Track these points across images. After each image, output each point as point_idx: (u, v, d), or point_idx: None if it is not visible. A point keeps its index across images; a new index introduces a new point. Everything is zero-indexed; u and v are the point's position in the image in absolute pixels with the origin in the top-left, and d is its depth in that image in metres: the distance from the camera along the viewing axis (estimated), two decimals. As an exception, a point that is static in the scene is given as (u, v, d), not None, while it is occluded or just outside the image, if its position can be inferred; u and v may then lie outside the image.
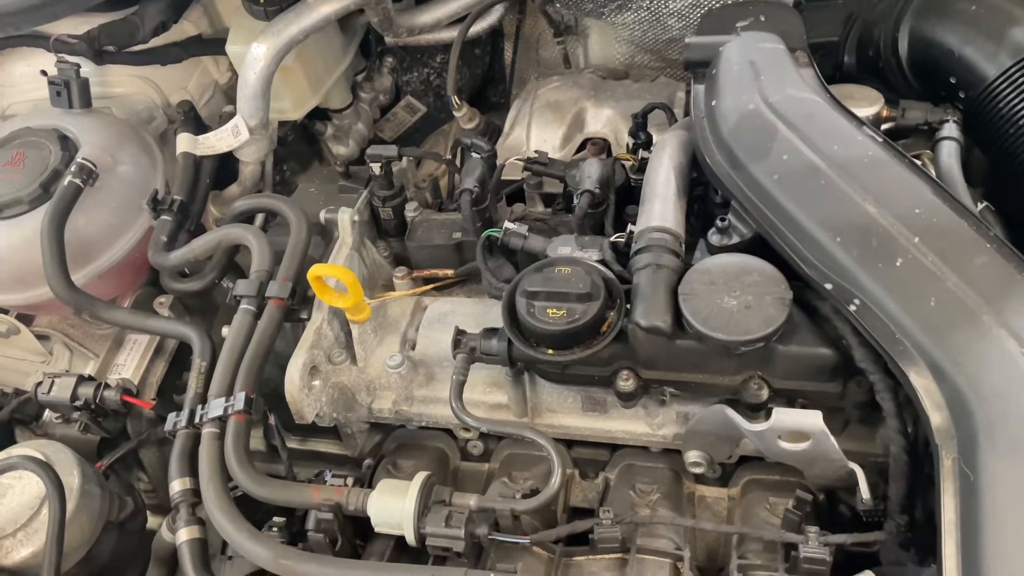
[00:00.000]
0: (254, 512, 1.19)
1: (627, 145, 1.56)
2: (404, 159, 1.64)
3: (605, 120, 1.70)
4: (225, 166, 1.74)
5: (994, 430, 0.96)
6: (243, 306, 1.32)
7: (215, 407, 1.20)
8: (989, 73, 1.28)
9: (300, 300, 1.36)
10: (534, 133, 1.71)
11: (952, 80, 1.34)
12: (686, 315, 1.12)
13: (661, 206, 1.25)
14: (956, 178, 1.22)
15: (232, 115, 1.63)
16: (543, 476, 1.36)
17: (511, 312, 1.19)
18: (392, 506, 1.11)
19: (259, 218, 1.58)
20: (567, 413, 1.34)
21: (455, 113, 1.78)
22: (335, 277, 1.25)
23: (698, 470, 1.26)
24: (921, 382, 1.02)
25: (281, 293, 1.31)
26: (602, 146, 1.67)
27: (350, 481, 1.22)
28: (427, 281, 1.50)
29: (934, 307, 1.04)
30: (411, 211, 1.51)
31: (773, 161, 1.19)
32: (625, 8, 1.89)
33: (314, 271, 1.24)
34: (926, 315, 1.04)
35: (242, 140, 1.58)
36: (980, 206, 1.29)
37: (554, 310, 1.16)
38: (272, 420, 1.41)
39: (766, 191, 1.17)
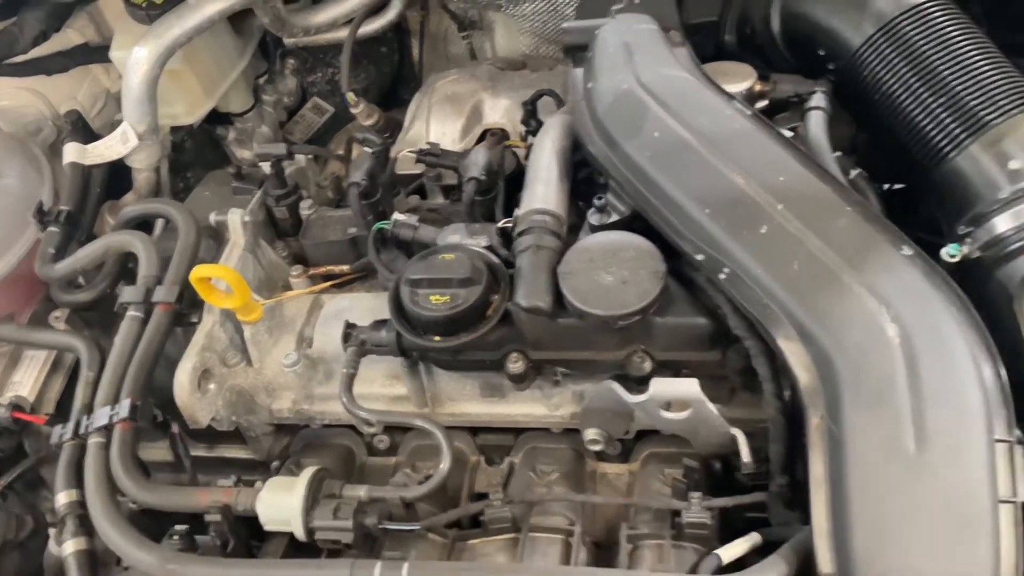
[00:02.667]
0: (165, 525, 1.18)
1: (520, 134, 1.58)
2: (303, 159, 1.64)
3: (503, 110, 1.71)
4: (124, 176, 1.72)
5: (857, 386, 0.99)
6: (130, 313, 1.30)
7: (100, 416, 1.18)
8: (854, 42, 1.32)
9: (190, 304, 1.34)
10: (433, 127, 1.71)
11: (821, 52, 1.38)
12: (565, 293, 1.14)
13: (543, 189, 1.27)
14: (822, 146, 1.25)
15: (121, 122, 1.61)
16: (453, 463, 1.36)
17: (397, 302, 1.20)
18: (280, 503, 1.11)
19: (159, 225, 1.56)
20: (466, 400, 1.34)
21: (352, 110, 1.78)
22: (219, 277, 1.24)
23: (597, 447, 1.27)
24: (789, 344, 1.05)
25: (168, 297, 1.29)
26: (500, 136, 1.68)
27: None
28: (325, 279, 1.49)
29: (798, 271, 1.07)
30: (306, 209, 1.51)
31: (645, 138, 1.21)
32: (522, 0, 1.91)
33: (196, 272, 1.23)
34: (790, 279, 1.06)
35: (131, 147, 1.55)
36: (853, 173, 1.32)
37: (437, 296, 1.16)
38: (175, 429, 1.39)
39: (639, 168, 1.19)
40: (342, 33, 1.91)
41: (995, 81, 1.19)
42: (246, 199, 1.50)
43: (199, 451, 1.52)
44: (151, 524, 1.18)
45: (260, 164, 1.44)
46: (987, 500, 0.91)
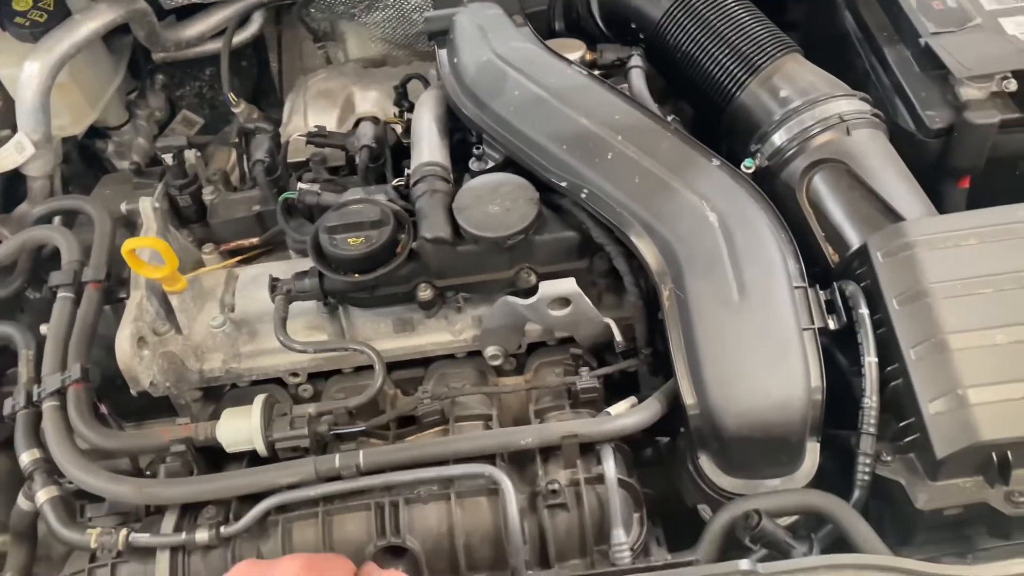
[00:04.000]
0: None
1: (394, 114, 1.81)
2: (192, 155, 1.79)
3: (373, 100, 1.93)
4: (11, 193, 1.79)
5: (692, 261, 1.30)
6: (61, 295, 1.41)
7: (52, 382, 1.29)
8: (656, 15, 1.67)
9: (117, 282, 1.47)
10: (311, 118, 1.90)
11: (633, 26, 1.73)
12: (462, 224, 1.38)
13: (428, 146, 1.51)
14: (643, 92, 1.59)
15: (8, 138, 1.69)
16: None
17: (317, 248, 1.39)
18: (239, 426, 1.27)
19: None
20: (381, 338, 1.55)
21: (234, 110, 1.95)
22: (148, 248, 1.38)
23: (496, 362, 1.52)
24: (639, 240, 1.35)
25: (97, 275, 1.42)
26: (373, 123, 1.90)
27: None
28: (234, 253, 1.65)
29: (639, 183, 1.38)
30: (209, 195, 1.66)
31: (507, 97, 1.49)
32: (373, 8, 2.16)
33: (128, 245, 1.37)
34: (634, 190, 1.37)
35: (27, 155, 1.64)
36: (669, 119, 1.67)
37: (354, 239, 1.37)
38: (103, 409, 1.50)
39: (506, 121, 1.47)
40: (209, 46, 2.08)
41: (763, 33, 1.57)
42: (148, 191, 1.63)
43: (129, 429, 1.62)
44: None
45: (162, 156, 1.59)
46: (794, 329, 1.24)
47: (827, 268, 1.40)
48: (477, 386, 1.52)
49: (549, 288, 1.38)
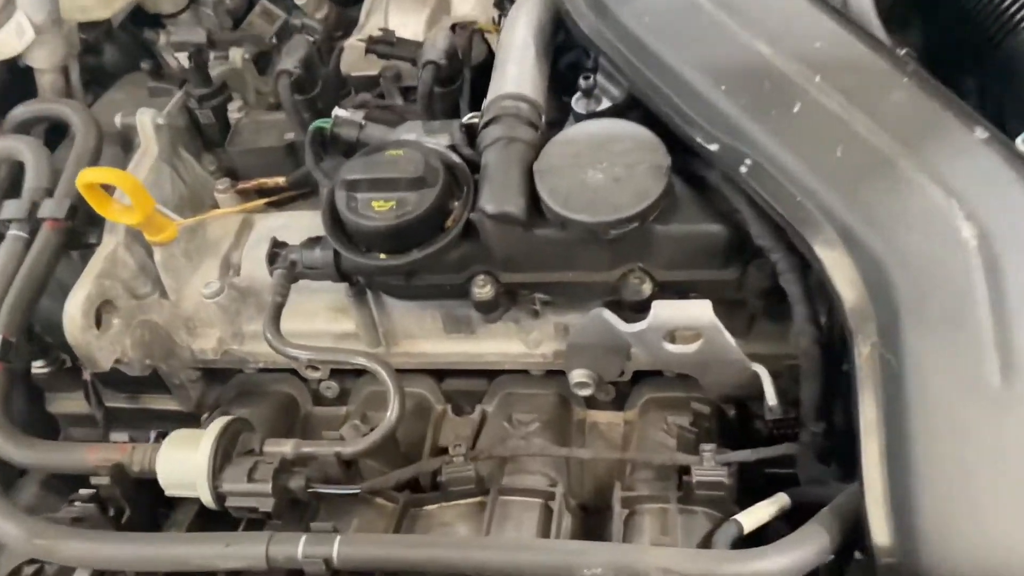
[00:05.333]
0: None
1: (493, 19, 1.32)
2: (238, 58, 1.38)
3: (474, 1, 1.44)
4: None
5: (921, 304, 0.77)
6: (11, 232, 1.06)
7: (-36, 357, 0.95)
8: None
9: (87, 222, 1.10)
10: (393, 18, 1.44)
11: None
12: (543, 196, 0.89)
13: (516, 70, 1.02)
14: (866, 8, 1.00)
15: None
16: (413, 413, 1.14)
17: (332, 210, 0.95)
18: (183, 461, 0.88)
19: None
20: (428, 338, 1.11)
21: (296, 1, 1.51)
22: (110, 182, 0.99)
23: (585, 392, 1.04)
24: (829, 253, 0.81)
25: (57, 212, 1.05)
26: (452, 31, 1.41)
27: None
28: (259, 194, 1.25)
29: (841, 158, 0.83)
30: (235, 111, 1.25)
31: (643, 1, 0.95)
32: None
33: (84, 176, 0.98)
34: (832, 169, 0.83)
35: (27, 41, 1.29)
36: (900, 52, 1.07)
37: (381, 202, 0.92)
38: (86, 375, 1.16)
39: (636, 38, 0.94)
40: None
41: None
42: (165, 102, 1.25)
43: (118, 402, 1.29)
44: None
45: (176, 56, 1.18)
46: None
47: None
48: (550, 427, 1.06)
49: (669, 312, 0.87)
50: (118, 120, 1.19)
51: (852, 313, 0.80)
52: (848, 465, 0.91)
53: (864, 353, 0.78)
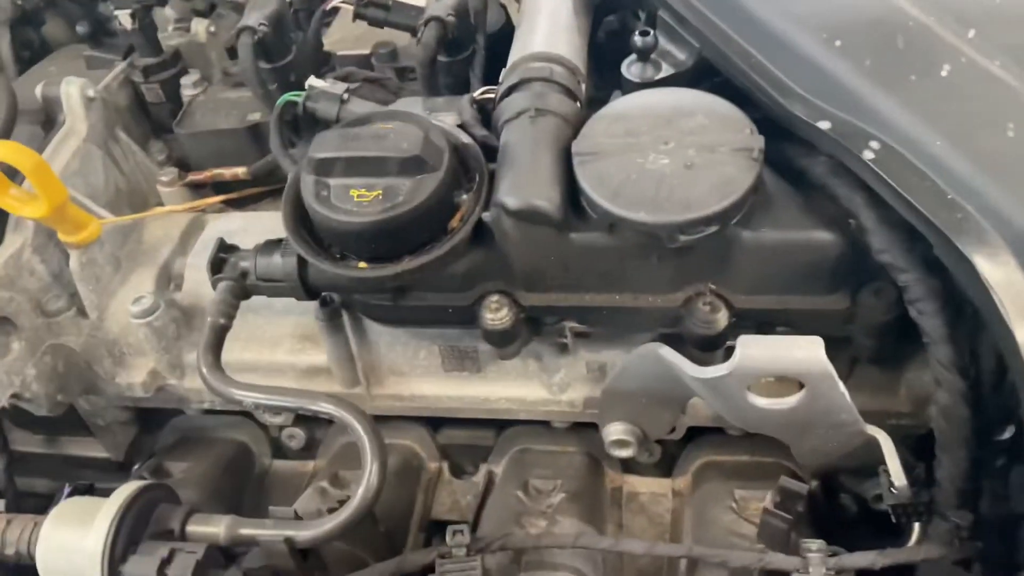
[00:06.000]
0: None
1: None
2: (201, 28, 1.14)
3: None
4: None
5: None
6: None
7: None
8: None
9: (-12, 215, 0.85)
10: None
11: None
12: (585, 186, 0.65)
13: (548, 25, 0.78)
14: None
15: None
16: (400, 473, 0.89)
17: (296, 202, 0.70)
18: (71, 545, 0.62)
19: None
20: (421, 376, 0.86)
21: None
22: (5, 159, 0.74)
23: (624, 452, 0.79)
24: (997, 272, 0.57)
25: (-58, 202, 0.80)
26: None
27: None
28: (216, 189, 1.00)
29: (1014, 139, 0.59)
30: (189, 87, 1.01)
31: (722, -66, 0.72)
32: None
33: (-31, 153, 0.73)
34: (1000, 154, 0.59)
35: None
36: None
37: (362, 191, 0.67)
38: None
39: (712, -17, 0.70)
40: None
41: None
42: (105, 74, 1.01)
43: (32, 445, 1.04)
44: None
45: (116, 15, 0.94)
46: None
47: None
48: (577, 498, 0.81)
49: (762, 352, 0.62)
50: (38, 91, 0.95)
51: (1032, 358, 0.55)
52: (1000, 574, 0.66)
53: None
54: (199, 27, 1.14)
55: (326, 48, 1.10)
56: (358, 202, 0.67)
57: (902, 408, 0.77)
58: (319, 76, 1.01)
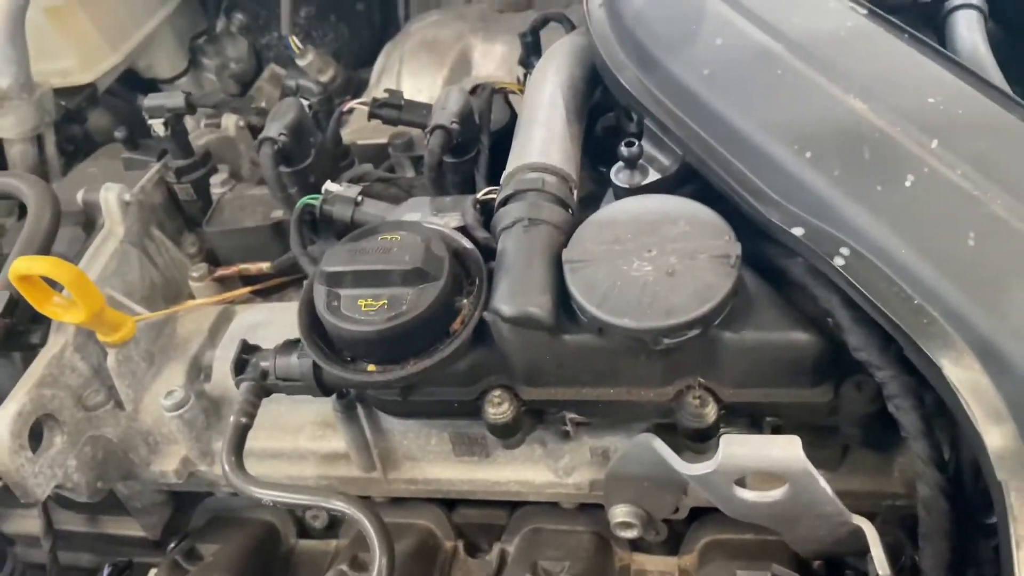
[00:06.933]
0: None
1: (518, 78, 1.14)
2: (232, 125, 1.22)
3: (499, 59, 1.29)
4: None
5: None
6: (-62, 330, 0.88)
7: None
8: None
9: (30, 319, 0.92)
10: (406, 82, 1.29)
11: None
12: (575, 293, 0.69)
13: (542, 135, 0.83)
14: (983, 55, 0.80)
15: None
16: (416, 552, 0.93)
17: (309, 311, 0.76)
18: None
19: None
20: (434, 461, 0.90)
21: (297, 61, 1.36)
22: (46, 274, 0.81)
23: (630, 533, 0.82)
24: (963, 375, 0.61)
25: (-10, 306, 0.87)
26: (492, 91, 1.24)
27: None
28: (245, 282, 1.07)
29: (975, 247, 0.62)
30: (218, 186, 1.08)
31: (701, 49, 0.77)
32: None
33: (17, 268, 0.80)
34: (963, 261, 0.62)
35: (-11, 108, 1.15)
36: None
37: (369, 301, 0.72)
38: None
39: (693, 95, 0.76)
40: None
41: None
42: (141, 175, 1.08)
43: (75, 524, 1.10)
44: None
45: (150, 123, 1.02)
46: None
47: None
48: (585, 573, 0.84)
49: (742, 451, 0.66)
50: (80, 198, 1.03)
51: (999, 457, 0.58)
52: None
53: (1017, 508, 0.56)
54: (229, 122, 1.23)
55: (345, 140, 1.17)
56: (366, 311, 0.72)
57: (897, 489, 0.80)
58: (338, 168, 1.09)
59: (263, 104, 1.41)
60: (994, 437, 0.59)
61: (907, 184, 0.65)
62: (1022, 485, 0.57)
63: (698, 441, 0.75)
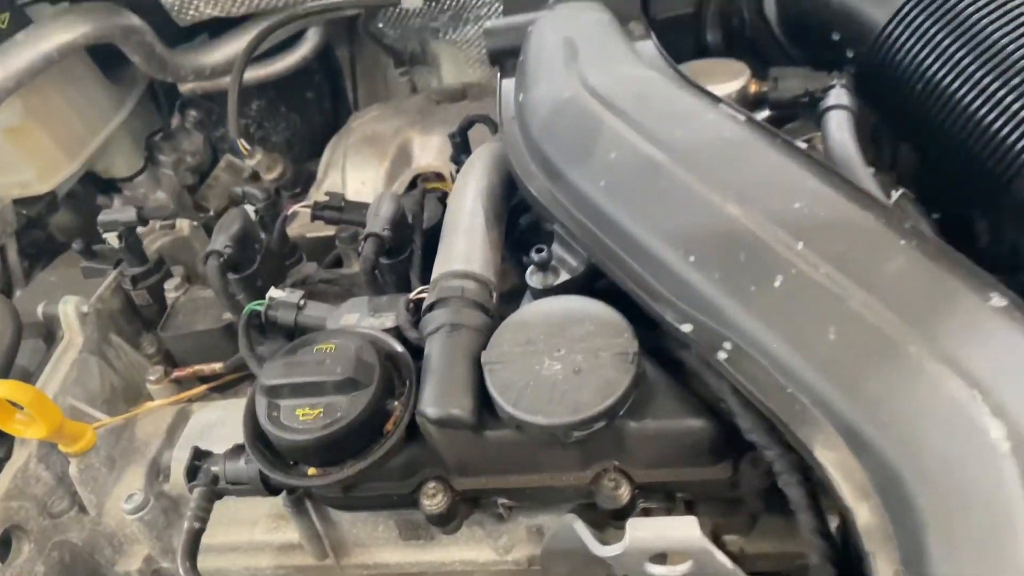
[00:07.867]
0: None
1: (451, 174, 1.23)
2: (187, 226, 1.29)
3: (436, 150, 1.37)
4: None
5: (949, 523, 0.61)
6: (-96, 451, 0.94)
7: None
8: (879, 18, 0.97)
9: (-5, 433, 0.98)
10: (350, 175, 1.37)
11: (835, 36, 1.03)
12: (493, 393, 0.77)
13: (464, 243, 0.91)
14: (851, 155, 0.89)
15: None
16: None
17: (252, 421, 0.83)
18: None
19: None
20: (383, 546, 0.96)
21: (247, 161, 1.44)
22: (7, 396, 0.87)
23: (571, 604, 0.88)
24: (831, 456, 0.67)
25: (-45, 426, 0.93)
26: (424, 192, 1.33)
27: None
28: (201, 381, 1.13)
29: (836, 341, 0.70)
30: (172, 290, 1.15)
31: (597, 162, 0.85)
32: (461, 21, 1.59)
33: (-22, 393, 0.86)
34: (826, 354, 0.69)
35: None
36: (895, 195, 0.96)
37: (306, 410, 0.79)
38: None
39: (592, 203, 0.83)
40: (253, 74, 1.59)
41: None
42: (99, 283, 1.15)
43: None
44: None
45: (105, 236, 1.09)
46: None
47: None
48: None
49: (646, 533, 0.73)
50: (39, 311, 1.09)
51: (868, 532, 0.65)
52: None
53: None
54: (183, 224, 1.30)
55: (293, 234, 1.25)
56: (303, 420, 0.79)
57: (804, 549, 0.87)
58: (285, 268, 1.16)
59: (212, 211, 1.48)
60: (862, 512, 0.66)
61: (776, 284, 0.73)
62: (886, 558, 0.64)
63: (617, 519, 0.81)
